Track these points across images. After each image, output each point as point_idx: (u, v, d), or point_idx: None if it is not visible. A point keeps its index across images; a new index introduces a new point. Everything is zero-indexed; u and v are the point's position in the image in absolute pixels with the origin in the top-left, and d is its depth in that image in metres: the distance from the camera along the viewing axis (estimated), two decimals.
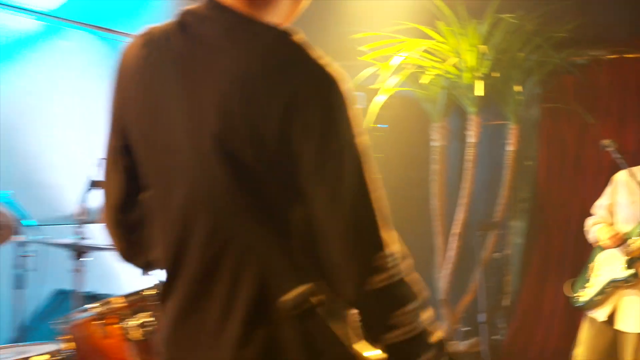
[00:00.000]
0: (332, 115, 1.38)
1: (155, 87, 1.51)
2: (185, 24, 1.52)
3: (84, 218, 3.55)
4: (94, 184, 3.52)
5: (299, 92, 1.37)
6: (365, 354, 1.46)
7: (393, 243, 1.42)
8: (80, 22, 4.59)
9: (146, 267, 1.71)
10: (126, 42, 1.61)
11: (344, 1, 5.16)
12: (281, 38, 1.44)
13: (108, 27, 4.73)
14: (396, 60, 4.52)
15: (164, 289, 1.57)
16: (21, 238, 3.71)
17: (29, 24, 4.40)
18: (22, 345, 3.37)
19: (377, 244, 1.40)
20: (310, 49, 1.42)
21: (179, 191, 1.50)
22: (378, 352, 1.45)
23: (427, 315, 1.44)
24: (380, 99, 4.54)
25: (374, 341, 1.44)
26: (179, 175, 1.49)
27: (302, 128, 1.37)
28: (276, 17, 1.53)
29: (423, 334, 1.42)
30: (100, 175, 3.63)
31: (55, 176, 4.43)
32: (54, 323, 3.02)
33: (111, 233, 1.70)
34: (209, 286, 1.49)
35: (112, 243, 1.72)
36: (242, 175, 1.42)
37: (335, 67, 1.40)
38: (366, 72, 4.59)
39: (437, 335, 1.45)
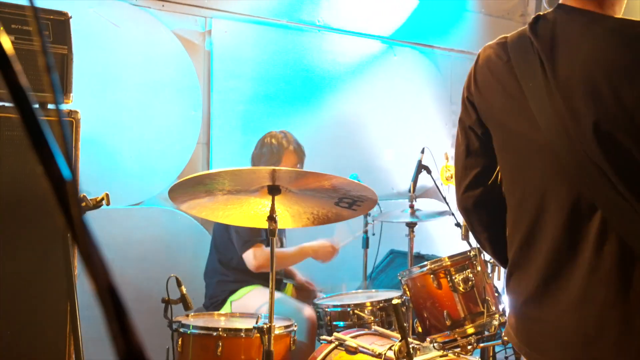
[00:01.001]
0: None
1: (519, 83, 1.51)
2: (537, 28, 1.52)
3: (414, 194, 3.67)
4: (421, 168, 3.70)
5: None
6: None
7: None
8: (407, 41, 4.82)
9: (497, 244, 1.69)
10: (483, 48, 1.64)
11: None
12: (636, 28, 1.41)
13: (428, 44, 4.91)
14: None
15: (518, 256, 1.56)
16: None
17: (373, 45, 4.72)
18: (370, 291, 3.63)
19: None
20: None
21: (540, 171, 1.48)
22: None
23: None
24: None
25: None
26: (541, 157, 1.48)
27: None
28: (620, 8, 1.51)
29: None
30: (425, 161, 3.89)
31: (389, 161, 4.70)
32: (399, 275, 3.19)
33: (462, 210, 1.73)
34: (573, 252, 1.44)
35: (466, 219, 1.75)
36: (611, 151, 1.39)
37: None
38: None
39: None
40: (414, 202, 3.67)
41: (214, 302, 3.49)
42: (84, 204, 2.11)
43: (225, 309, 3.41)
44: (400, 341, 2.29)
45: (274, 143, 3.51)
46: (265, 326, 2.41)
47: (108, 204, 2.20)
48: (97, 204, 2.17)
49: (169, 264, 3.64)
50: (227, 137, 4.04)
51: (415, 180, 3.70)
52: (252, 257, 3.35)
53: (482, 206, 1.68)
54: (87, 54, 3.44)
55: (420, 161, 3.72)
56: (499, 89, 1.56)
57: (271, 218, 2.43)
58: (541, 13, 1.55)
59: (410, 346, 2.35)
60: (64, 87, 2.38)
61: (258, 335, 2.46)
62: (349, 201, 2.55)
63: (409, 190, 3.70)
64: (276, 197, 2.47)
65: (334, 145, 4.44)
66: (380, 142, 4.71)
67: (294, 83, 4.31)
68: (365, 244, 4.01)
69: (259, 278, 3.42)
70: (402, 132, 4.77)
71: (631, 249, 1.37)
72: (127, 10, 3.69)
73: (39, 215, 2.24)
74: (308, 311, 3.30)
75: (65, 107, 2.43)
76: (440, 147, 4.35)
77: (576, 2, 1.49)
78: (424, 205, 3.89)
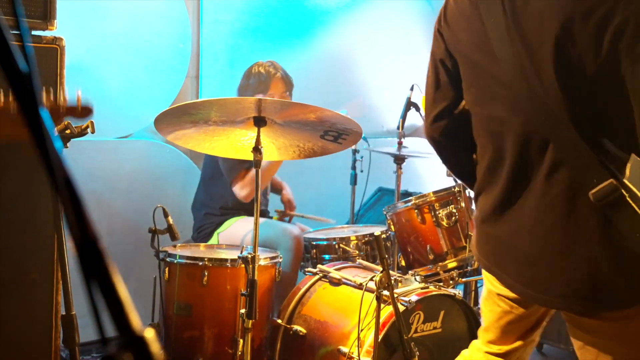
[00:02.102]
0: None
1: (482, 20, 1.57)
2: None
3: (403, 132, 3.67)
4: (410, 105, 3.66)
5: (611, 9, 1.39)
6: None
7: None
8: None
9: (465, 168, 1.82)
10: None
11: None
12: None
13: None
14: None
15: (483, 180, 1.67)
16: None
17: None
18: (356, 226, 3.71)
19: None
20: None
21: (500, 104, 1.57)
22: None
23: None
24: None
25: None
26: (501, 91, 1.56)
27: (615, 35, 1.39)
28: None
29: None
30: (415, 98, 3.88)
31: (379, 99, 4.70)
32: (384, 210, 3.25)
33: (430, 139, 1.82)
34: (526, 180, 1.55)
35: (435, 148, 1.84)
36: (566, 85, 1.46)
37: None
38: None
39: None
40: (402, 140, 3.68)
41: (202, 234, 3.54)
42: (68, 131, 2.11)
43: (213, 241, 3.47)
44: (381, 272, 2.33)
45: (261, 72, 3.50)
46: (249, 256, 2.45)
47: (93, 131, 2.19)
48: (81, 132, 2.17)
49: (157, 196, 3.67)
50: (217, 71, 4.01)
51: (403, 117, 3.68)
52: (239, 189, 3.40)
53: (448, 136, 1.78)
54: None
55: (409, 98, 3.68)
56: (465, 25, 1.64)
57: (256, 149, 2.44)
58: None
59: (392, 278, 2.40)
60: (47, 13, 2.34)
61: (243, 265, 2.50)
62: (335, 134, 2.56)
63: (398, 128, 3.70)
64: (262, 129, 2.48)
65: (324, 81, 4.41)
66: (371, 79, 4.68)
67: (286, 17, 4.26)
68: (354, 180, 4.03)
69: (243, 209, 3.48)
70: (394, 70, 4.72)
71: (578, 180, 1.47)
72: None
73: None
74: (295, 230, 3.37)
75: (49, 33, 2.40)
76: None
77: None
78: (412, 143, 3.90)
